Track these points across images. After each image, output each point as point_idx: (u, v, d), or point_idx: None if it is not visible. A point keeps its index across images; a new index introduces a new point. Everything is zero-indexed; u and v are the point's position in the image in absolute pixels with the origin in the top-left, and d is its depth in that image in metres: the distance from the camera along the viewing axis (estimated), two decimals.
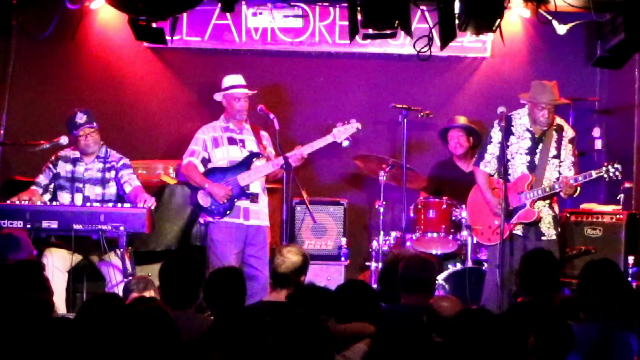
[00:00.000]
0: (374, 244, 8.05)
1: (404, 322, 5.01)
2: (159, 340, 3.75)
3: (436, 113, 8.52)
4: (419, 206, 8.03)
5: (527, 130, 7.09)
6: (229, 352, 3.87)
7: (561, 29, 8.28)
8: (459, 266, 7.81)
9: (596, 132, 9.06)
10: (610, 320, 4.57)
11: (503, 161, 6.95)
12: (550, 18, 8.01)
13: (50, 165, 7.25)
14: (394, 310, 5.55)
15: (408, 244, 7.92)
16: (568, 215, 7.68)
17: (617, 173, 6.82)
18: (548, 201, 7.11)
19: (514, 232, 7.03)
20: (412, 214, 8.05)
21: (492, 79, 9.09)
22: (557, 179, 7.03)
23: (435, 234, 7.92)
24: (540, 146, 7.05)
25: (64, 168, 7.24)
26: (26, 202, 6.87)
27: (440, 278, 7.69)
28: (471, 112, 8.70)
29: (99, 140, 7.27)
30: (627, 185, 8.25)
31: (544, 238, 7.03)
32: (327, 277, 8.11)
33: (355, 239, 8.76)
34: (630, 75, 8.50)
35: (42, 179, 7.24)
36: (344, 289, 5.02)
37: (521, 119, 7.11)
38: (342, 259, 8.35)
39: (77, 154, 7.26)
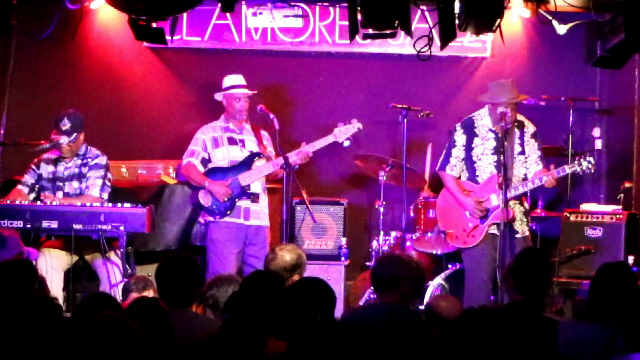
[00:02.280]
0: (374, 244, 8.06)
1: (381, 321, 5.00)
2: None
3: (436, 113, 8.52)
4: (419, 206, 8.03)
5: (490, 130, 7.16)
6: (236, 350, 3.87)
7: (561, 29, 8.28)
8: (458, 266, 7.81)
9: (596, 132, 9.07)
10: (620, 323, 4.58)
11: (504, 162, 6.96)
12: (550, 18, 8.01)
13: (34, 167, 7.27)
14: (365, 311, 5.53)
15: (408, 244, 7.93)
16: (568, 215, 7.68)
17: (589, 166, 6.93)
18: (518, 197, 7.15)
19: (490, 231, 7.05)
20: (412, 214, 8.05)
21: (492, 79, 9.02)
22: (525, 174, 7.12)
23: (435, 234, 7.92)
24: (505, 144, 7.08)
25: (45, 169, 7.26)
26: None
27: (440, 278, 7.70)
28: (471, 112, 8.63)
29: (74, 149, 7.20)
30: (627, 185, 8.25)
31: (517, 236, 7.10)
32: (327, 277, 8.09)
33: (355, 239, 8.76)
34: (630, 75, 8.50)
35: (28, 178, 7.26)
36: (299, 286, 4.90)
37: (483, 120, 7.21)
38: (342, 259, 8.35)
39: (57, 155, 7.27)
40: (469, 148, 7.21)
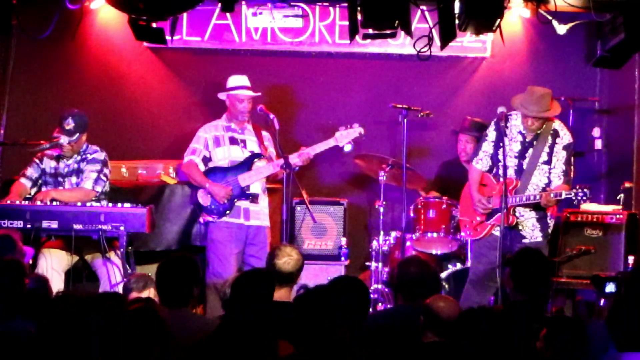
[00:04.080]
0: (374, 244, 8.06)
1: (405, 324, 5.02)
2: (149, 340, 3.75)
3: (436, 113, 8.51)
4: (419, 206, 8.02)
5: (520, 133, 7.07)
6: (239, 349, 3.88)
7: (561, 29, 8.28)
8: (459, 266, 7.81)
9: (596, 132, 9.06)
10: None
11: (503, 162, 6.96)
12: (550, 18, 8.01)
13: (37, 161, 7.30)
14: (393, 312, 5.54)
15: (408, 244, 7.92)
16: (568, 215, 7.67)
17: (584, 198, 6.82)
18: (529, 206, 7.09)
19: (493, 232, 7.06)
20: (412, 214, 8.05)
21: (492, 79, 9.08)
22: (547, 185, 7.04)
23: (435, 234, 7.91)
24: (530, 151, 7.04)
25: (48, 164, 7.30)
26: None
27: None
28: (471, 112, 8.68)
29: (76, 149, 7.23)
30: (627, 185, 8.25)
31: (525, 241, 7.03)
32: (327, 277, 8.08)
33: (355, 239, 8.76)
34: (630, 75, 8.49)
35: (31, 172, 7.28)
36: (338, 287, 4.92)
37: (516, 120, 7.10)
38: (342, 259, 8.35)
39: (59, 152, 7.29)
40: (497, 146, 7.13)
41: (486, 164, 7.25)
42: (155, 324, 3.92)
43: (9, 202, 6.93)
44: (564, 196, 6.87)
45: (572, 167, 7.12)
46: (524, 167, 7.05)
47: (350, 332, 4.41)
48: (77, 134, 7.15)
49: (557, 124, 7.15)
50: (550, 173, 7.05)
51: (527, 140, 7.07)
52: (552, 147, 7.06)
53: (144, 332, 3.83)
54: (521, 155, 7.06)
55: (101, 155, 7.31)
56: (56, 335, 3.88)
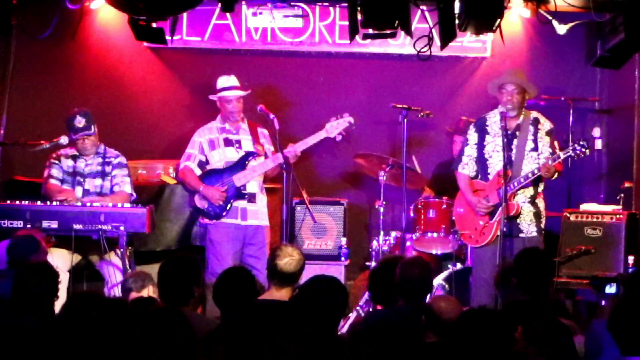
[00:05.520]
0: (374, 244, 8.06)
1: (404, 324, 5.02)
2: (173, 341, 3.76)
3: (436, 113, 8.52)
4: (419, 206, 8.03)
5: (501, 128, 7.12)
6: (236, 349, 3.88)
7: (561, 29, 8.27)
8: (459, 266, 7.81)
9: (596, 132, 9.07)
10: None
11: (504, 161, 6.96)
12: (550, 18, 8.00)
13: (56, 161, 7.31)
14: (392, 312, 5.53)
15: (408, 244, 7.93)
16: (568, 215, 7.68)
17: (583, 149, 6.87)
18: (530, 196, 7.11)
19: (498, 232, 7.05)
20: (412, 214, 8.05)
21: (492, 79, 9.03)
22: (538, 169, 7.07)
23: (435, 234, 7.92)
24: (515, 141, 7.09)
25: (65, 163, 7.32)
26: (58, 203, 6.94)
27: (440, 278, 7.70)
28: (471, 112, 8.69)
29: (96, 142, 7.32)
30: (627, 185, 8.25)
31: (521, 235, 7.06)
32: None
33: (355, 239, 8.76)
34: (630, 75, 8.50)
35: (57, 172, 7.29)
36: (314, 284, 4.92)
37: (495, 117, 7.19)
38: (342, 259, 8.35)
39: (75, 152, 7.31)
40: (480, 146, 7.20)
41: (472, 169, 7.26)
42: (182, 325, 3.92)
43: (8, 202, 6.92)
44: (562, 157, 6.93)
45: (558, 151, 7.12)
46: (513, 157, 7.09)
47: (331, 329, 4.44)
48: (93, 127, 7.22)
49: (536, 114, 7.27)
50: (539, 159, 7.07)
51: (509, 132, 7.10)
52: (535, 134, 7.14)
53: (173, 333, 3.83)
54: (507, 148, 7.07)
55: (124, 160, 7.46)
56: (74, 334, 3.89)
